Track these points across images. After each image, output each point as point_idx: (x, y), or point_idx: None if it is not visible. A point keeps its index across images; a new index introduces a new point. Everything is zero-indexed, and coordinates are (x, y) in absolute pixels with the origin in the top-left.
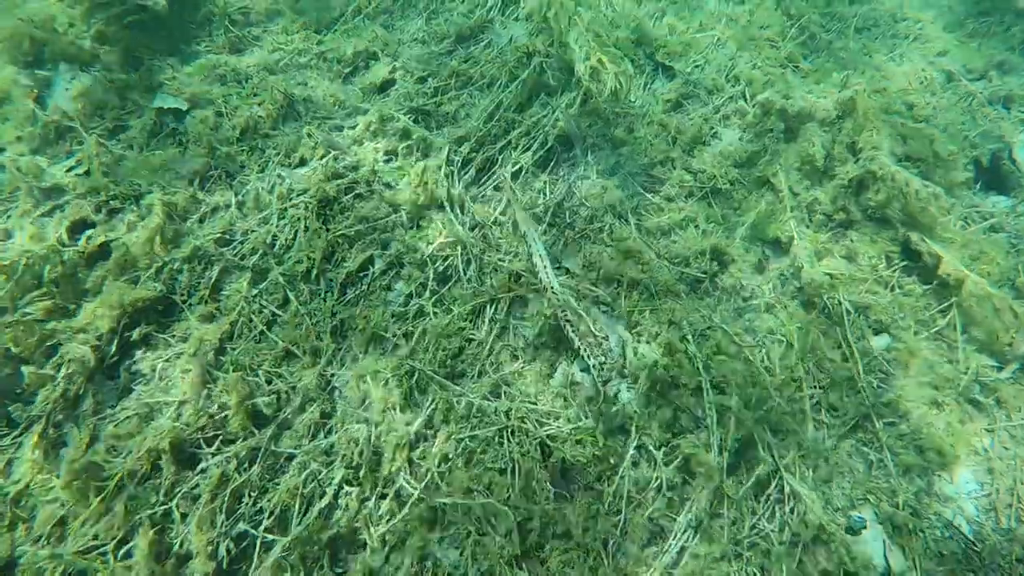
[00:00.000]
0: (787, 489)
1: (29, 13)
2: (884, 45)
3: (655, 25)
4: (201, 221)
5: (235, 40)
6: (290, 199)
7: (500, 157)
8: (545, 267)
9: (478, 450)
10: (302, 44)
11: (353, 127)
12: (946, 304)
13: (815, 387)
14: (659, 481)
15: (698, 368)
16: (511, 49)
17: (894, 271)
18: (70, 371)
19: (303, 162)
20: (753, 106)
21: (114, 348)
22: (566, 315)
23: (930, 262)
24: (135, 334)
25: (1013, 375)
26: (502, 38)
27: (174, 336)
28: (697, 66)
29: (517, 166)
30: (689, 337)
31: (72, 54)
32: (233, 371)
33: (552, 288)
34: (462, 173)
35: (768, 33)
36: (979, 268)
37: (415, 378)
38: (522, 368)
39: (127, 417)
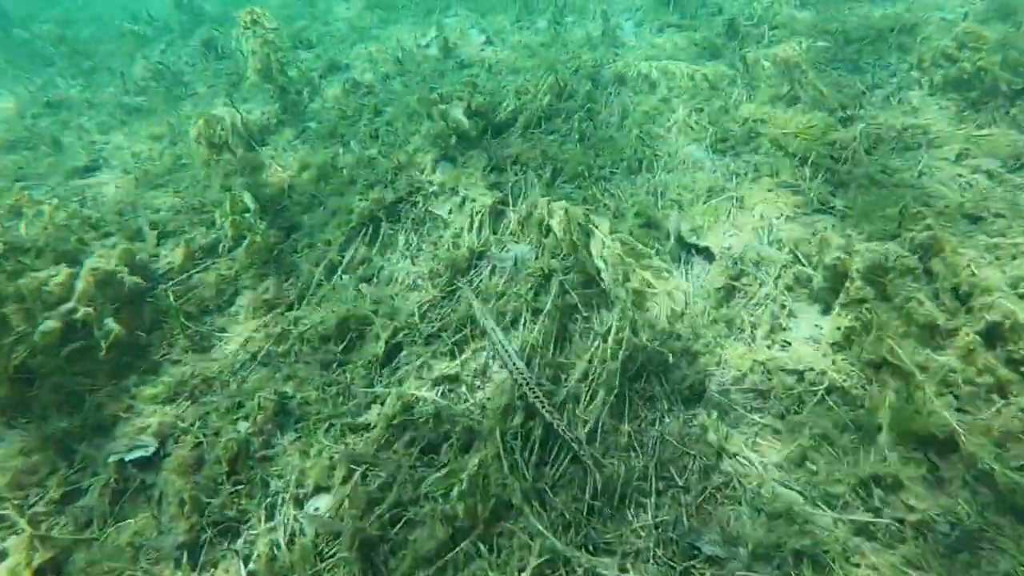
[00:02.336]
0: None
1: None
2: (903, 160)
3: (660, 203)
4: None
5: (196, 338)
6: (319, 553)
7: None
8: (508, 352)
9: None
10: (275, 327)
11: (369, 428)
12: None
13: None
14: None
15: None
16: (523, 274)
17: None
18: None
19: (320, 489)
20: (815, 268)
21: None
22: None
23: None
24: None
25: None
26: (505, 262)
27: None
28: (732, 236)
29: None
30: None
31: None
32: None
33: (520, 371)
34: (527, 457)
35: (783, 179)
36: None
37: None
38: None
39: None
